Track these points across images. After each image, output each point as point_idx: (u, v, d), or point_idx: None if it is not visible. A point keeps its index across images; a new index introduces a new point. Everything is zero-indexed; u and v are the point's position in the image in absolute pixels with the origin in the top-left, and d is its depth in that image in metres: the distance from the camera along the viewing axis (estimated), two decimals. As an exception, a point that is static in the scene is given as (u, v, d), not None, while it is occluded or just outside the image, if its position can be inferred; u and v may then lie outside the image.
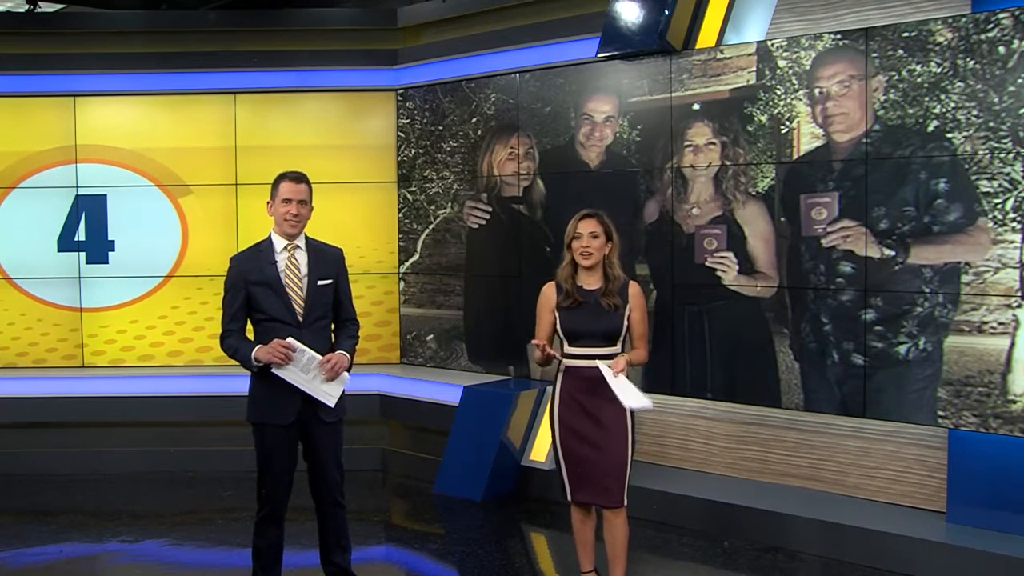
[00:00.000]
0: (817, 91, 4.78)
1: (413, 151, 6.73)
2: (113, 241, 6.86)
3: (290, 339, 3.57)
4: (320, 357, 3.61)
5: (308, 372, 3.60)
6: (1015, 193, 4.20)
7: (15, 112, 6.79)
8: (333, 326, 3.83)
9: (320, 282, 3.71)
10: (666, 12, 5.19)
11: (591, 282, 3.78)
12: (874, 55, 4.59)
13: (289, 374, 3.59)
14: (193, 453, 6.35)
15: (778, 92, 4.92)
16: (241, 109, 6.82)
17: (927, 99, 4.44)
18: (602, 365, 3.65)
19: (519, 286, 6.08)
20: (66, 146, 6.83)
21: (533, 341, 3.74)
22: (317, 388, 3.62)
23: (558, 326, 3.77)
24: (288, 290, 3.65)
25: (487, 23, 6.37)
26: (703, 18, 5.30)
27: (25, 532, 5.14)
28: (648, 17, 5.28)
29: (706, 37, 5.29)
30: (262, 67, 6.76)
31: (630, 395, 3.58)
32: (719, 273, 5.16)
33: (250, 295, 3.65)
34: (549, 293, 3.82)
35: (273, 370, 3.58)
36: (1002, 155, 4.23)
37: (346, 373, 3.67)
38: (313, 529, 3.88)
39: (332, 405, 3.66)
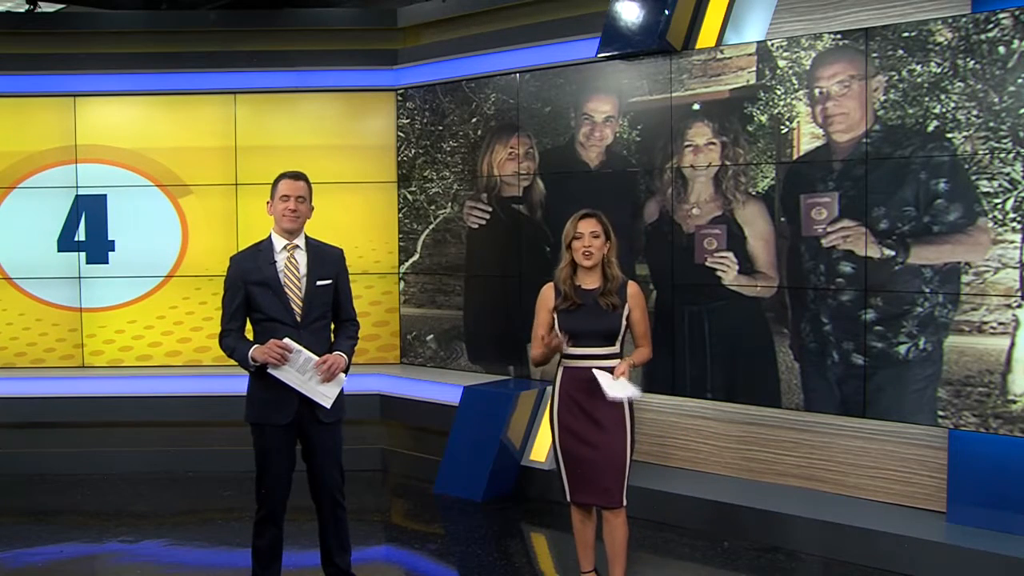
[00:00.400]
0: (817, 91, 4.78)
1: (413, 151, 6.73)
2: (113, 241, 6.86)
3: (287, 339, 3.57)
4: (316, 358, 3.60)
5: (304, 373, 3.60)
6: (1015, 193, 4.20)
7: (15, 112, 6.79)
8: (333, 326, 3.83)
9: (319, 282, 3.70)
10: (666, 12, 5.19)
11: (589, 282, 3.78)
12: (874, 55, 4.58)
13: (285, 374, 3.58)
14: (193, 453, 6.35)
15: (778, 92, 4.92)
16: (241, 109, 6.82)
17: (927, 99, 4.44)
18: (595, 370, 3.65)
19: (519, 286, 6.08)
20: (66, 146, 6.83)
21: (540, 334, 3.73)
22: (313, 389, 3.61)
23: (556, 327, 3.77)
24: (287, 290, 3.65)
25: (487, 23, 6.37)
26: (703, 18, 5.30)
27: (25, 532, 5.14)
28: (648, 17, 5.28)
29: (706, 37, 5.29)
30: (262, 67, 6.76)
31: (615, 386, 3.58)
32: (719, 273, 5.16)
33: (249, 295, 3.65)
34: (548, 294, 3.82)
35: (269, 370, 3.57)
36: (1002, 155, 4.23)
37: (343, 374, 3.67)
38: (313, 529, 3.88)
39: (328, 406, 3.65)
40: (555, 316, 3.77)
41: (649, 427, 5.51)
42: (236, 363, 3.68)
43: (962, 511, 4.41)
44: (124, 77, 6.77)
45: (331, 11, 6.98)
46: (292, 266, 3.68)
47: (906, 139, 4.50)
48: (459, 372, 6.45)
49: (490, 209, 6.31)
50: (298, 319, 3.64)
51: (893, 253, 4.55)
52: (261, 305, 3.64)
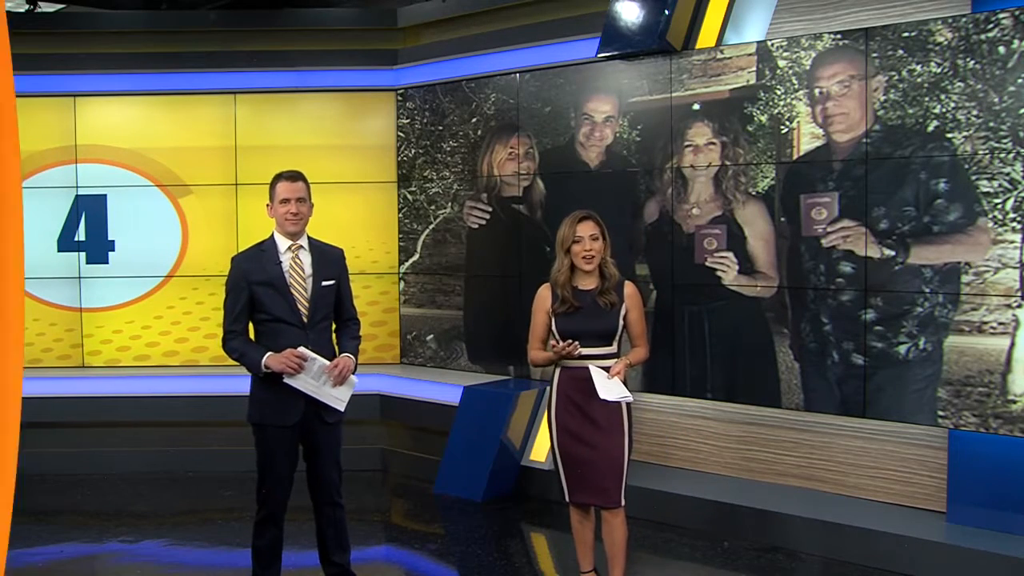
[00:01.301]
0: (817, 91, 4.78)
1: (413, 151, 6.73)
2: (113, 241, 6.86)
3: (302, 348, 3.56)
4: (328, 363, 3.60)
5: (318, 379, 3.59)
6: (1015, 193, 4.20)
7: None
8: (334, 325, 3.83)
9: (324, 283, 3.71)
10: (666, 12, 5.19)
11: (587, 283, 3.77)
12: (874, 55, 4.58)
13: (299, 382, 3.58)
14: (193, 453, 6.35)
15: (778, 92, 4.92)
16: (241, 109, 6.82)
17: (927, 99, 4.44)
18: (592, 367, 3.65)
19: (519, 286, 6.07)
20: (66, 146, 6.83)
21: (552, 344, 3.73)
22: (327, 394, 3.61)
23: (554, 328, 3.76)
24: (292, 291, 3.64)
25: (487, 23, 6.37)
26: (703, 18, 5.29)
27: (25, 532, 5.12)
28: (648, 17, 5.28)
29: (706, 37, 5.29)
30: (262, 67, 6.76)
31: (609, 388, 3.58)
32: (719, 273, 5.16)
33: (253, 295, 3.64)
34: (545, 295, 3.82)
35: (285, 379, 3.57)
36: (1002, 155, 4.23)
37: (354, 376, 3.67)
38: (313, 529, 3.88)
39: (342, 409, 3.66)
40: (553, 319, 3.77)
41: (649, 427, 5.51)
42: (241, 365, 3.67)
43: (962, 511, 4.41)
44: (124, 77, 6.77)
45: (331, 11, 6.98)
46: (297, 266, 3.67)
47: (906, 139, 4.50)
48: (459, 372, 6.45)
49: (490, 209, 6.30)
50: (304, 319, 3.64)
51: (893, 253, 4.55)
52: (266, 306, 3.63)
